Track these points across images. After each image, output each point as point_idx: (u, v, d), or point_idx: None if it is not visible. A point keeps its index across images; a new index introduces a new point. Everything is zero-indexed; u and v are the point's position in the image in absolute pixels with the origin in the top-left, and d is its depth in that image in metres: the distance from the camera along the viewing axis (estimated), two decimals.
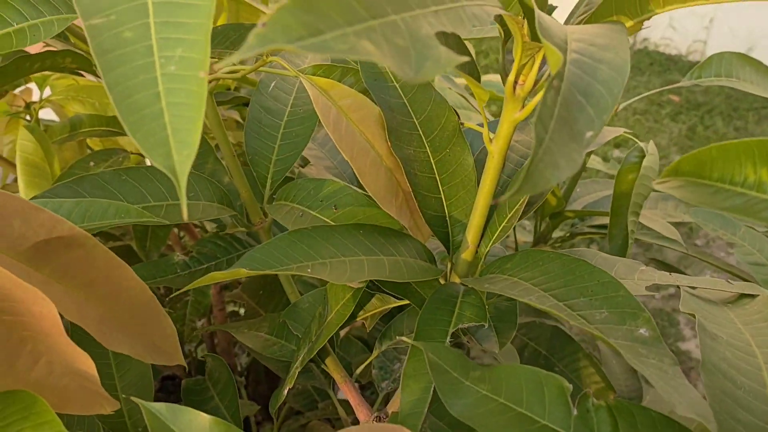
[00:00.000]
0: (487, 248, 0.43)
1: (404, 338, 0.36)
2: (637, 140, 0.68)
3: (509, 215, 0.42)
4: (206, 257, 0.59)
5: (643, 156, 0.65)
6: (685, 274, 0.81)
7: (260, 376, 0.95)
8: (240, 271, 0.38)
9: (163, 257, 0.60)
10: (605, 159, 2.61)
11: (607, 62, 0.28)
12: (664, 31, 3.98)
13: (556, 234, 0.85)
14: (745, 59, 0.73)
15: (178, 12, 0.27)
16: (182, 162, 0.24)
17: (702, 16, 3.82)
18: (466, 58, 0.23)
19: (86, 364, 0.33)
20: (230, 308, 1.05)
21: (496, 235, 0.43)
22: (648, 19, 0.35)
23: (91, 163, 0.70)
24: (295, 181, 0.47)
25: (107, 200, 0.38)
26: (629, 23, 0.35)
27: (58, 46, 0.63)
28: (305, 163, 0.69)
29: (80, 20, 0.27)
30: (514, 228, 0.88)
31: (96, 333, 0.35)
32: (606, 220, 0.80)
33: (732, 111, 3.16)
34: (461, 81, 1.12)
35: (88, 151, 0.93)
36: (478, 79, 0.37)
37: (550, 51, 0.26)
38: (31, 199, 0.43)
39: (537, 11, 0.29)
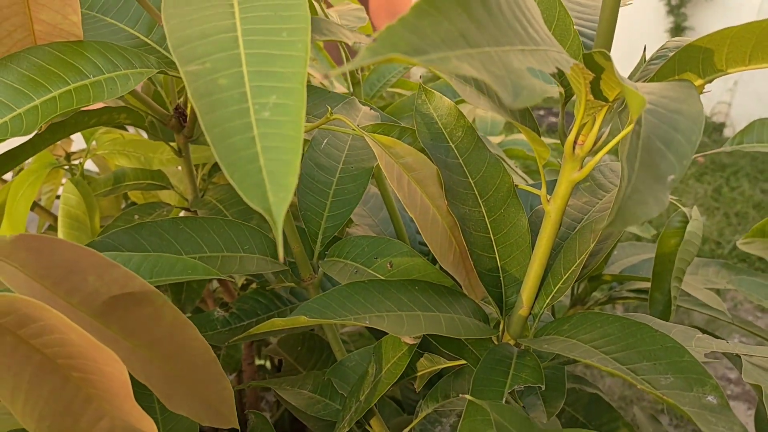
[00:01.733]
0: (542, 309, 0.43)
1: (466, 396, 0.35)
2: (679, 205, 0.68)
3: (565, 276, 0.42)
4: (246, 314, 0.59)
5: (687, 221, 0.65)
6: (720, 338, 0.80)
7: None
8: (300, 319, 0.38)
9: (201, 313, 0.60)
10: None
11: (682, 113, 0.29)
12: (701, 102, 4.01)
13: (593, 297, 0.84)
14: None
15: (272, 62, 0.29)
16: (278, 204, 0.24)
17: (726, 78, 3.85)
18: (558, 88, 0.24)
19: (148, 426, 0.32)
20: (257, 362, 1.05)
21: (551, 296, 0.42)
22: (711, 81, 0.35)
23: (136, 216, 0.71)
24: (349, 238, 0.48)
25: (174, 256, 0.38)
26: (698, 81, 0.36)
27: (113, 102, 0.66)
28: (349, 222, 0.69)
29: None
30: None
31: (160, 393, 0.35)
32: (644, 285, 0.79)
33: (758, 173, 3.15)
34: (496, 141, 1.13)
35: (124, 202, 0.94)
36: (539, 135, 0.38)
37: (631, 95, 0.26)
38: (93, 245, 0.44)
39: (612, 63, 0.29)
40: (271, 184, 0.24)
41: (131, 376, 0.35)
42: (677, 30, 3.91)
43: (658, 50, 0.42)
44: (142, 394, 0.35)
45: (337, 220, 0.50)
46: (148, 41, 0.47)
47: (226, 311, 0.60)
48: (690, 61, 0.34)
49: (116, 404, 0.33)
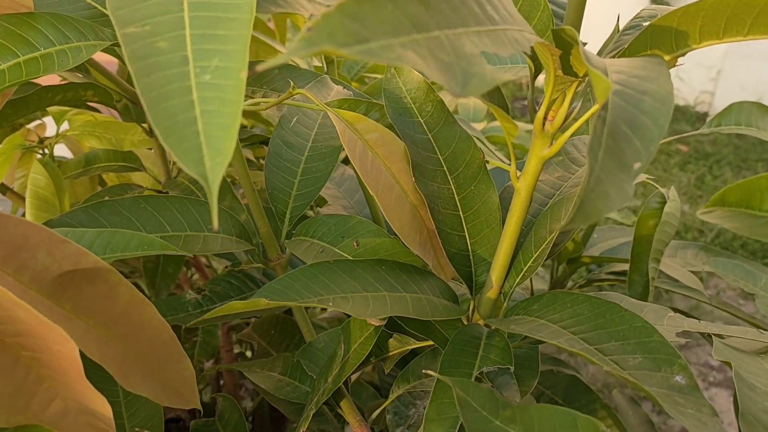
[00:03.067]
0: (512, 289, 0.42)
1: (430, 372, 0.34)
2: (657, 186, 0.67)
3: (535, 255, 0.41)
4: (219, 296, 0.58)
5: (664, 202, 0.64)
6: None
7: (265, 420, 0.92)
8: (260, 302, 0.37)
9: (173, 296, 0.59)
10: None
11: (651, 94, 0.28)
12: (672, 82, 4.02)
13: (572, 280, 0.84)
14: (764, 109, 0.72)
15: (215, 24, 0.27)
16: (214, 169, 0.23)
17: (709, 67, 3.86)
18: (510, 77, 0.23)
19: (102, 405, 0.31)
20: (237, 349, 1.04)
21: (521, 275, 0.41)
22: (683, 54, 0.34)
23: (106, 197, 0.69)
24: (316, 217, 0.47)
25: (130, 231, 0.37)
26: (666, 58, 0.35)
27: (80, 79, 0.64)
28: (322, 203, 0.68)
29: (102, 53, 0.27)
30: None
31: (116, 372, 0.33)
32: (623, 267, 0.79)
33: (741, 161, 3.17)
34: (478, 126, 1.12)
35: (99, 188, 0.93)
36: (507, 112, 0.37)
37: (596, 78, 0.25)
38: (50, 224, 0.42)
39: (579, 41, 0.28)
40: (208, 148, 0.23)
41: (89, 358, 0.33)
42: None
43: (632, 19, 0.41)
44: (104, 376, 0.34)
45: (305, 199, 0.48)
46: (106, 11, 0.46)
47: (198, 293, 0.59)
48: (663, 34, 0.33)
49: (68, 384, 0.31)
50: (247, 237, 0.48)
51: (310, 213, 0.83)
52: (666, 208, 0.63)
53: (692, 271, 0.74)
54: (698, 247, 0.78)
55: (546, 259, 0.47)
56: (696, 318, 0.79)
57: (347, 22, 0.19)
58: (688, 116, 3.85)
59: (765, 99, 3.61)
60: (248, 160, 0.87)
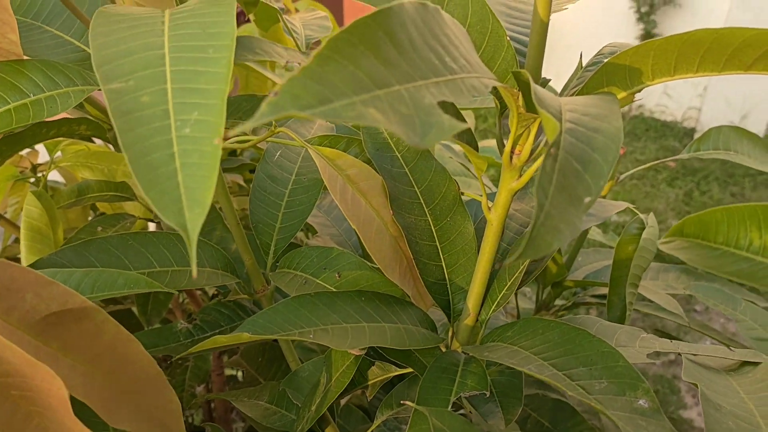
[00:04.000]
0: (488, 315, 0.43)
1: (407, 402, 0.35)
2: (637, 212, 0.69)
3: (509, 283, 0.43)
4: (210, 325, 0.59)
5: (643, 228, 0.66)
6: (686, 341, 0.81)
7: None
8: (242, 336, 0.38)
9: (166, 325, 0.61)
10: (605, 225, 2.63)
11: (601, 131, 0.29)
12: (660, 98, 4.07)
13: (558, 302, 0.85)
14: (742, 133, 0.75)
15: (195, 78, 0.29)
16: (193, 220, 0.25)
17: (696, 84, 3.91)
18: (467, 125, 0.24)
19: None
20: (228, 372, 1.04)
21: (496, 302, 0.43)
22: (639, 91, 0.36)
23: (99, 228, 0.71)
24: (299, 249, 0.48)
25: (117, 270, 0.39)
26: (622, 94, 0.37)
27: (73, 113, 0.65)
28: (313, 231, 0.70)
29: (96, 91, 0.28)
30: (516, 296, 0.88)
31: (100, 409, 0.35)
32: (606, 290, 0.80)
33: (728, 177, 3.20)
34: (460, 149, 1.14)
35: (92, 214, 0.94)
36: (476, 149, 0.38)
37: (546, 120, 0.27)
38: (39, 264, 0.44)
39: (532, 84, 0.30)
40: (188, 200, 0.24)
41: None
42: (647, 36, 3.96)
43: (594, 56, 0.43)
44: (92, 412, 0.35)
45: (289, 232, 0.50)
46: None
47: (189, 323, 0.61)
48: (618, 72, 0.35)
49: (57, 420, 0.33)
50: (233, 270, 0.49)
51: (302, 236, 0.85)
52: (644, 234, 0.64)
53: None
54: (680, 270, 0.80)
55: (522, 286, 0.48)
56: (680, 338, 0.80)
57: (311, 84, 0.21)
58: (675, 132, 3.89)
59: (751, 114, 3.65)
60: (238, 185, 0.89)
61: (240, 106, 0.58)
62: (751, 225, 0.30)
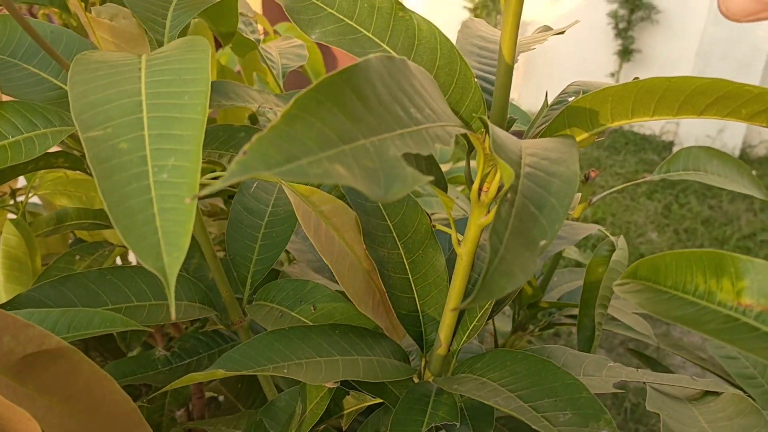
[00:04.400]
0: (459, 346, 0.45)
1: None
2: (607, 234, 0.71)
3: (479, 314, 0.44)
4: (188, 353, 0.60)
5: (613, 249, 0.67)
6: (662, 364, 0.83)
7: None
8: (217, 372, 0.39)
9: (144, 353, 0.61)
10: (585, 239, 2.66)
11: (559, 175, 0.31)
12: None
13: (534, 322, 0.86)
14: (712, 153, 0.77)
15: (172, 125, 0.30)
16: (172, 264, 0.26)
17: None
18: (430, 178, 0.25)
19: None
20: (209, 393, 1.04)
21: (467, 333, 0.44)
22: (600, 132, 0.38)
23: (77, 257, 0.71)
24: (275, 282, 0.49)
25: (93, 309, 0.39)
26: (583, 135, 0.38)
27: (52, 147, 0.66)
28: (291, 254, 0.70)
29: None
30: (493, 318, 0.89)
31: None
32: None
33: (706, 190, 3.25)
34: (444, 167, 1.15)
35: (72, 236, 0.94)
36: (445, 188, 0.40)
37: (503, 167, 0.28)
38: (18, 300, 0.44)
39: (492, 129, 0.31)
40: (166, 244, 0.25)
41: None
42: (625, 52, 4.03)
43: (560, 94, 0.45)
44: None
45: (266, 263, 0.51)
46: None
47: (167, 350, 0.61)
48: (579, 115, 0.37)
49: None
50: (210, 302, 0.50)
51: (284, 257, 0.86)
52: (613, 257, 0.66)
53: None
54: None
55: (494, 315, 0.49)
56: (653, 357, 0.82)
57: (279, 142, 0.22)
58: (654, 145, 3.95)
59: (726, 130, 3.72)
60: (219, 207, 0.90)
61: (217, 136, 0.59)
62: (696, 270, 0.31)
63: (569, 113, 0.37)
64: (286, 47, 0.80)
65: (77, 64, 0.33)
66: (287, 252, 0.84)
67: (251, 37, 0.65)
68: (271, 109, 0.39)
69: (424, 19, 0.40)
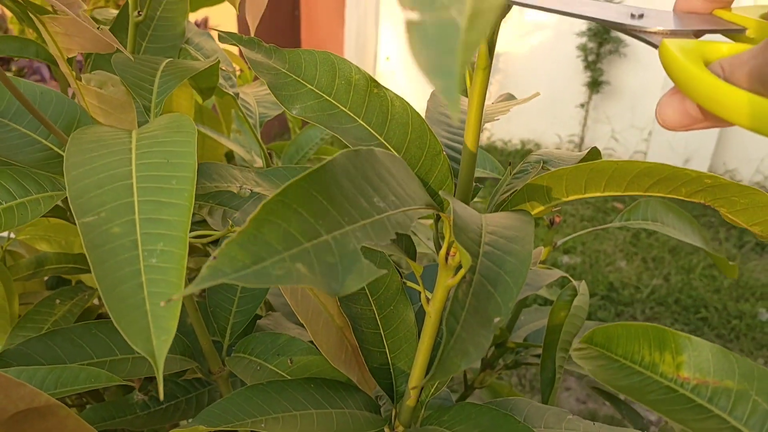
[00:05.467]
0: (428, 397, 0.47)
1: None
2: (571, 279, 0.74)
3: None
4: (166, 397, 0.61)
5: (575, 295, 0.71)
6: (624, 402, 0.86)
7: None
8: (199, 428, 0.41)
9: (122, 397, 0.62)
10: (556, 265, 2.71)
11: (515, 254, 0.34)
12: (608, 142, 4.24)
13: (502, 360, 0.89)
14: (668, 206, 0.82)
15: (160, 210, 0.32)
16: (160, 347, 0.28)
17: (642, 129, 4.09)
18: (384, 271, 0.28)
19: None
20: None
21: (435, 386, 0.47)
22: (556, 205, 0.41)
23: (57, 301, 0.73)
24: (253, 335, 0.51)
25: (78, 366, 0.41)
26: (540, 208, 0.41)
27: None
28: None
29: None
30: None
31: None
32: None
33: None
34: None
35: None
36: (414, 256, 0.43)
37: (462, 253, 0.31)
38: (6, 354, 0.46)
39: (454, 212, 0.34)
40: (155, 328, 0.28)
41: None
42: (594, 84, 4.14)
43: (522, 163, 0.48)
44: None
45: (245, 315, 0.53)
46: (61, 152, 0.50)
47: (145, 394, 0.63)
48: (537, 191, 0.40)
49: None
50: (191, 354, 0.52)
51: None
52: (574, 302, 0.70)
53: None
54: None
55: None
56: (620, 399, 0.85)
57: (247, 245, 0.25)
58: None
59: (693, 159, 3.83)
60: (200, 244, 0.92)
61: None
62: (643, 342, 0.34)
63: (528, 189, 0.40)
64: (263, 95, 0.82)
65: (73, 145, 0.36)
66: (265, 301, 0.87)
67: (230, 91, 0.68)
68: (250, 189, 0.41)
69: (397, 95, 0.44)
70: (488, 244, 0.33)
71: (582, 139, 4.29)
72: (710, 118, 0.32)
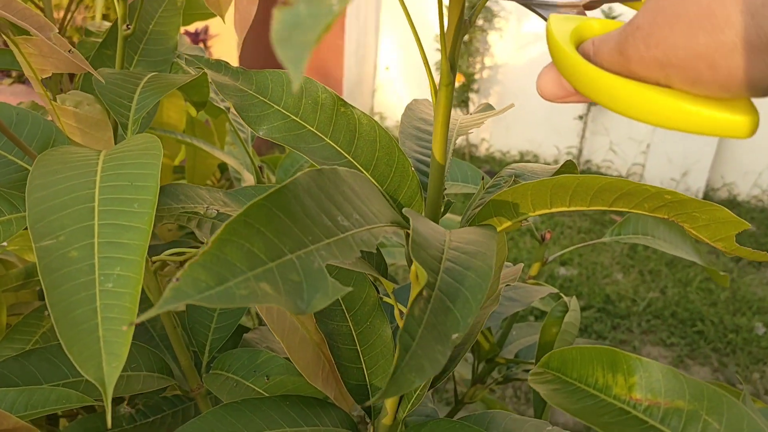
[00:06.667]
0: (405, 413, 0.47)
1: None
2: (562, 295, 0.74)
3: (423, 383, 0.47)
4: (152, 410, 0.61)
5: (566, 311, 0.71)
6: None
7: None
8: None
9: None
10: (552, 277, 2.70)
11: (475, 269, 0.34)
12: (606, 154, 4.23)
13: (492, 377, 0.89)
14: (658, 221, 0.82)
15: (120, 233, 0.32)
16: (111, 373, 0.28)
17: (640, 141, 4.09)
18: (349, 289, 0.28)
19: None
20: None
21: (411, 401, 0.47)
22: (524, 220, 0.41)
23: (46, 313, 0.73)
24: (231, 352, 0.51)
25: (49, 387, 0.41)
26: (507, 223, 0.42)
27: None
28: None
29: None
30: (457, 366, 0.91)
31: None
32: None
33: None
34: None
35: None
36: (385, 275, 0.43)
37: (419, 270, 0.31)
38: None
39: (414, 230, 0.34)
40: (106, 354, 0.28)
41: None
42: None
43: (495, 177, 0.48)
44: None
45: (224, 332, 0.53)
46: None
47: (132, 407, 0.63)
48: (503, 206, 0.40)
49: None
50: (169, 372, 0.52)
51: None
52: (566, 318, 0.69)
53: None
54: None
55: (440, 381, 0.52)
56: None
57: (210, 266, 0.25)
58: None
59: (691, 171, 3.83)
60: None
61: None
62: (597, 365, 0.34)
63: (494, 205, 0.40)
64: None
65: (38, 167, 0.36)
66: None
67: (221, 105, 0.69)
68: (216, 210, 0.42)
69: (364, 114, 0.44)
70: (449, 260, 0.33)
71: (580, 150, 4.29)
72: (579, 93, 0.32)
